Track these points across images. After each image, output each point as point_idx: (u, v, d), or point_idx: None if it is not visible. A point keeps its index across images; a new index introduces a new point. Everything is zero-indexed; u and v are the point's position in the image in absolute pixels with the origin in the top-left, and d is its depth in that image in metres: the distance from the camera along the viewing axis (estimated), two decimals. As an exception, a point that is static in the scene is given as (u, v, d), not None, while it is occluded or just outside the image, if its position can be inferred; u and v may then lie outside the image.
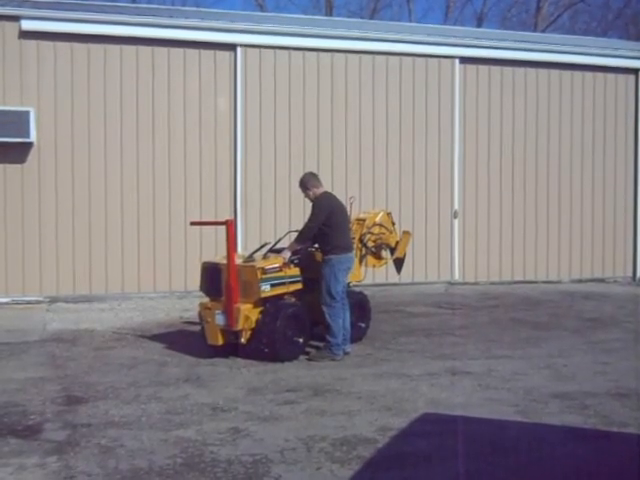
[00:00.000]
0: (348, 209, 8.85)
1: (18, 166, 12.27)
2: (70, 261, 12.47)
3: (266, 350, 7.92)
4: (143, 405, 6.35)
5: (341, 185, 13.76)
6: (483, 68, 14.76)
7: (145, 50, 12.89)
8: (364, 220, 9.38)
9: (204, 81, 13.19)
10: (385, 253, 9.65)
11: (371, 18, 31.33)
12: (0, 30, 12.21)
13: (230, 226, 8.00)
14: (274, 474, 4.76)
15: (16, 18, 12.21)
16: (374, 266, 9.70)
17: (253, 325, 7.94)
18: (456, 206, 14.62)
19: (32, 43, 12.34)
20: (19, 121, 11.92)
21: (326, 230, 8.15)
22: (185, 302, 11.83)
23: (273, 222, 13.20)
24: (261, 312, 7.98)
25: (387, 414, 6.11)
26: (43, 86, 12.40)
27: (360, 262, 9.27)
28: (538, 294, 13.53)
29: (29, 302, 12.10)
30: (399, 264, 9.87)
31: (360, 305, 9.12)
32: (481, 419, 6.04)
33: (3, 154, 12.07)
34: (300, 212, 12.02)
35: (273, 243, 8.72)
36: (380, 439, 5.47)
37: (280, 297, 8.21)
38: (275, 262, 8.17)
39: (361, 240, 9.24)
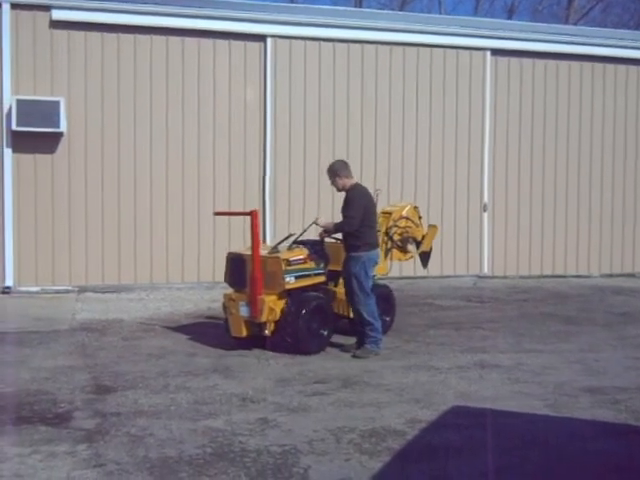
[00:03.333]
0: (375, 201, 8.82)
1: (48, 156, 12.35)
2: (99, 251, 12.54)
3: (290, 342, 7.87)
4: (172, 395, 6.36)
5: (369, 177, 13.70)
6: (514, 60, 14.59)
7: (175, 40, 12.90)
8: (390, 213, 9.23)
9: (234, 72, 13.18)
10: (411, 247, 9.51)
11: (400, 10, 31.13)
12: (31, 20, 12.28)
13: (255, 217, 7.92)
14: (303, 465, 4.73)
15: (47, 8, 12.28)
16: (400, 260, 9.61)
17: (277, 317, 7.88)
18: (485, 199, 14.49)
19: (63, 33, 12.41)
20: (49, 111, 11.99)
21: (359, 224, 7.92)
22: (213, 293, 11.84)
23: (302, 212, 13.16)
24: (286, 304, 7.91)
25: (416, 406, 6.06)
26: (73, 76, 12.47)
27: (386, 256, 9.15)
28: (568, 288, 13.38)
29: (58, 291, 12.20)
30: (425, 258, 9.74)
31: (385, 298, 9.00)
32: (511, 412, 5.98)
33: (33, 144, 12.15)
34: (329, 202, 12.02)
35: (299, 234, 8.59)
36: (409, 431, 5.43)
37: (305, 289, 8.13)
38: (300, 254, 8.10)
39: (387, 233, 9.11)
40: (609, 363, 7.73)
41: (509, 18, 32.56)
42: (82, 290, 12.25)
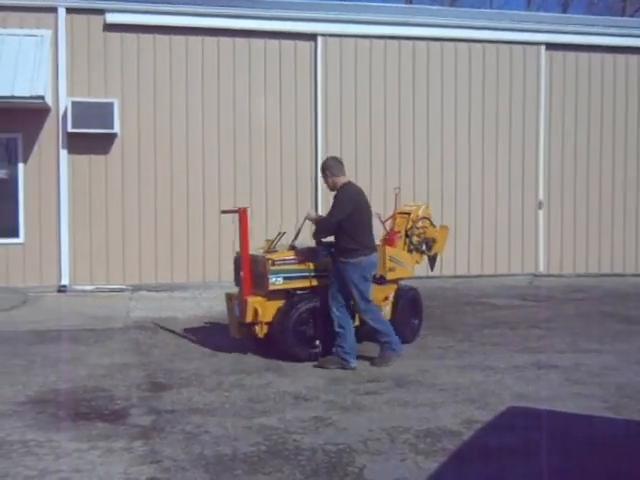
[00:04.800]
0: (392, 201, 8.55)
1: (102, 157, 12.54)
2: (152, 250, 12.69)
3: (279, 346, 7.51)
4: (226, 393, 6.36)
5: (422, 174, 13.67)
6: (570, 55, 14.35)
7: (226, 41, 13.00)
8: (408, 214, 8.79)
9: (284, 71, 13.20)
10: (426, 248, 9.04)
11: (451, 6, 30.83)
12: (85, 23, 12.50)
13: (244, 215, 7.66)
14: (358, 464, 4.68)
15: (101, 11, 12.49)
16: (417, 262, 9.04)
17: (267, 319, 7.51)
18: (541, 196, 14.25)
19: (116, 36, 12.60)
20: (103, 112, 12.19)
21: (351, 227, 7.22)
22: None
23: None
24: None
25: (471, 407, 5.95)
26: (126, 78, 12.66)
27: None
28: (627, 287, 13.09)
29: (112, 290, 12.37)
30: (433, 260, 9.28)
31: (412, 301, 8.67)
32: (569, 414, 5.83)
33: (88, 145, 12.36)
34: (380, 203, 11.91)
35: (297, 232, 8.06)
36: (465, 432, 5.33)
37: (304, 291, 7.66)
38: (288, 254, 7.66)
39: (407, 234, 8.70)
40: (672, 364, 7.52)
41: (563, 12, 31.98)
42: (136, 289, 12.40)
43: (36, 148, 12.38)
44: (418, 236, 8.86)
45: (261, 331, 7.56)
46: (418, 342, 8.56)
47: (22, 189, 12.39)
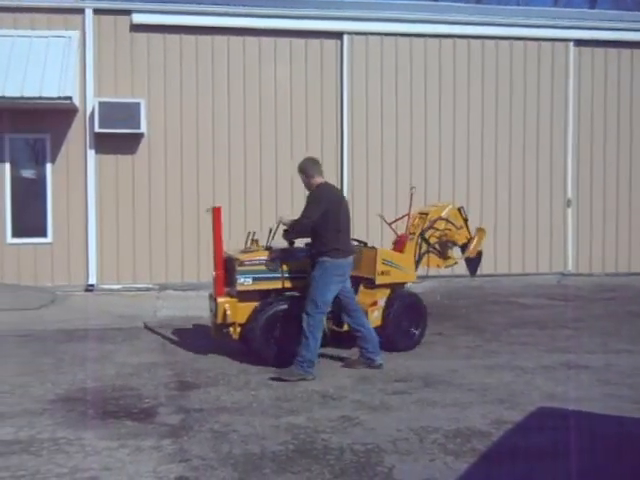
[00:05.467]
0: (408, 200, 8.32)
1: (129, 156, 12.61)
2: (179, 249, 12.72)
3: (250, 349, 7.41)
4: (253, 391, 6.37)
5: (448, 173, 13.57)
6: (599, 51, 14.17)
7: (252, 41, 13.00)
8: (427, 214, 8.58)
9: (310, 70, 13.18)
10: (451, 251, 8.82)
11: (477, 3, 30.63)
12: (112, 24, 12.57)
13: (217, 214, 7.55)
14: (387, 464, 4.65)
15: (128, 12, 12.55)
16: (438, 266, 8.86)
17: (242, 321, 7.37)
18: (569, 194, 14.10)
19: (142, 36, 12.66)
20: (130, 112, 12.25)
21: (321, 229, 7.00)
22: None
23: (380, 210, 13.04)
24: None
25: (501, 407, 5.90)
26: (153, 78, 12.71)
27: (418, 261, 8.49)
28: (658, 286, 12.91)
29: (139, 289, 12.43)
30: (473, 264, 8.97)
31: (409, 308, 8.15)
32: (600, 415, 5.76)
33: (115, 145, 12.42)
34: (406, 199, 11.85)
35: (271, 234, 7.68)
36: (494, 432, 5.28)
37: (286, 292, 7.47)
38: (260, 255, 7.48)
39: (422, 235, 8.46)
40: None
41: (591, 7, 31.61)
42: (162, 288, 12.45)
43: (64, 148, 12.47)
44: (438, 238, 8.60)
45: (235, 332, 7.43)
46: (446, 342, 8.52)
47: (50, 189, 12.49)
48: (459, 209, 8.94)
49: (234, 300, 7.42)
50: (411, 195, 8.43)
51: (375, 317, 7.88)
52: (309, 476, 4.45)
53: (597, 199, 14.18)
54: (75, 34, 12.37)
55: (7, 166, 12.37)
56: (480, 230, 8.95)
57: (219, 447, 4.93)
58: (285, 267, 7.49)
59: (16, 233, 12.41)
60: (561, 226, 14.05)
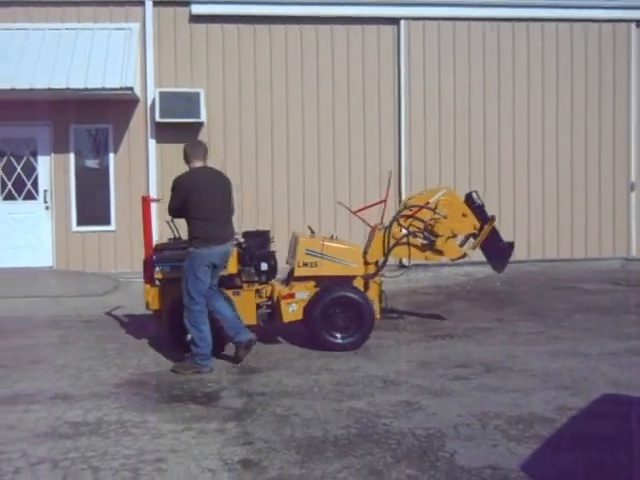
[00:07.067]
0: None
1: (190, 145, 12.72)
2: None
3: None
4: (314, 376, 6.42)
5: (508, 159, 13.40)
6: (661, 31, 13.78)
7: (308, 29, 13.01)
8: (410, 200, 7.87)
9: (367, 57, 13.13)
10: (451, 242, 7.93)
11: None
12: (172, 15, 12.73)
13: (146, 203, 7.53)
14: (449, 449, 4.65)
15: (186, 3, 12.71)
16: (427, 258, 8.00)
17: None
18: (633, 178, 13.77)
19: (201, 27, 12.79)
20: (190, 102, 12.39)
21: (187, 217, 6.73)
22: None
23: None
24: None
25: (564, 393, 5.84)
26: (212, 68, 12.83)
27: (386, 253, 7.82)
28: None
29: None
30: (497, 258, 8.13)
31: (347, 306, 7.36)
32: (666, 402, 5.65)
33: (176, 134, 12.57)
34: (465, 189, 11.76)
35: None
36: (558, 418, 5.23)
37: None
38: (183, 243, 7.18)
39: (396, 223, 7.77)
40: None
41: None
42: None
43: (126, 138, 12.70)
44: (421, 228, 7.76)
45: (159, 320, 7.54)
46: (506, 328, 8.42)
47: (113, 178, 12.74)
48: (469, 194, 8.14)
49: (155, 288, 7.42)
50: (388, 180, 8.03)
51: (293, 310, 7.40)
52: (371, 460, 4.48)
53: (662, 182, 13.83)
54: (136, 26, 12.57)
55: (72, 156, 12.67)
56: (490, 219, 8.10)
57: (282, 430, 5.00)
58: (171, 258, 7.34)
59: (81, 221, 12.72)
60: (624, 210, 13.74)
